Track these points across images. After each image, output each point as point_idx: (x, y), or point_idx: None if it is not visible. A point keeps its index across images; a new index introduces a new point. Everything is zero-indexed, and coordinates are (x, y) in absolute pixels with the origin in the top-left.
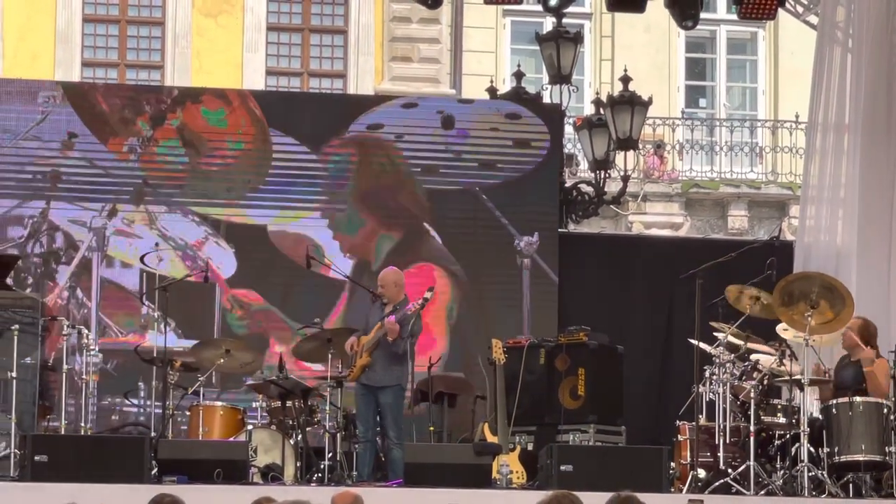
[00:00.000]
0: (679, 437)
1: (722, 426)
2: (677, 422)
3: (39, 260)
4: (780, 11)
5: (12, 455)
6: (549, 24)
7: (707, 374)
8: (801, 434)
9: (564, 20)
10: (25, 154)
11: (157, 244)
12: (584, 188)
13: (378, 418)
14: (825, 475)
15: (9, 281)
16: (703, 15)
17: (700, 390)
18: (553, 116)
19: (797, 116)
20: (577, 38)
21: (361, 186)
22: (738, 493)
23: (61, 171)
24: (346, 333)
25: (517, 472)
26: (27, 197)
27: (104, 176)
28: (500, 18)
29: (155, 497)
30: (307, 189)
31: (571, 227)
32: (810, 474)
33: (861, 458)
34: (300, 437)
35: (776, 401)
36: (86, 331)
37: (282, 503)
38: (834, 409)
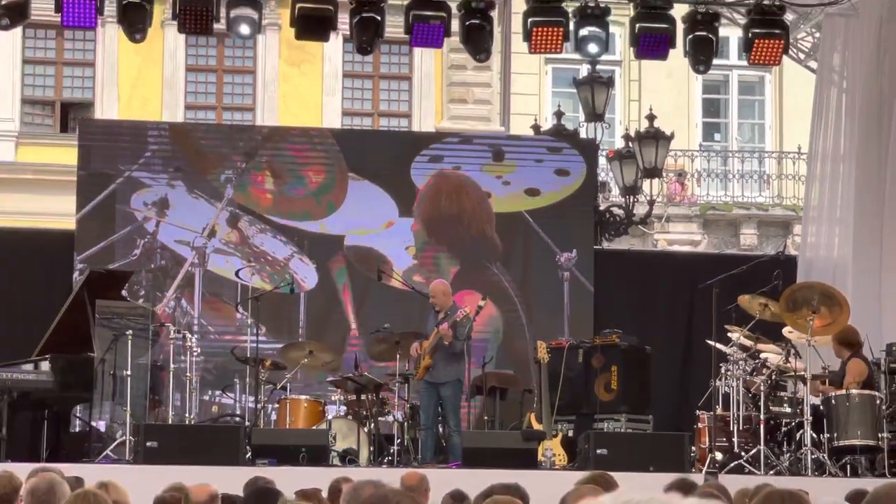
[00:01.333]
0: (699, 424)
1: (736, 415)
2: (697, 411)
3: (150, 275)
4: (785, 58)
5: (128, 441)
6: (584, 70)
7: (723, 370)
8: (805, 422)
9: (598, 66)
10: (138, 184)
11: (249, 260)
12: (616, 211)
13: (439, 409)
14: (826, 457)
15: (124, 293)
16: (717, 61)
17: (717, 384)
18: (589, 149)
19: (799, 148)
20: (609, 82)
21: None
22: (750, 473)
23: (168, 199)
24: (412, 337)
25: (559, 455)
26: (140, 221)
27: (204, 202)
28: (542, 65)
29: (251, 479)
30: (378, 210)
31: (605, 245)
32: (813, 457)
33: (857, 443)
34: (373, 425)
35: (782, 393)
36: (189, 335)
37: (357, 482)
38: (833, 401)
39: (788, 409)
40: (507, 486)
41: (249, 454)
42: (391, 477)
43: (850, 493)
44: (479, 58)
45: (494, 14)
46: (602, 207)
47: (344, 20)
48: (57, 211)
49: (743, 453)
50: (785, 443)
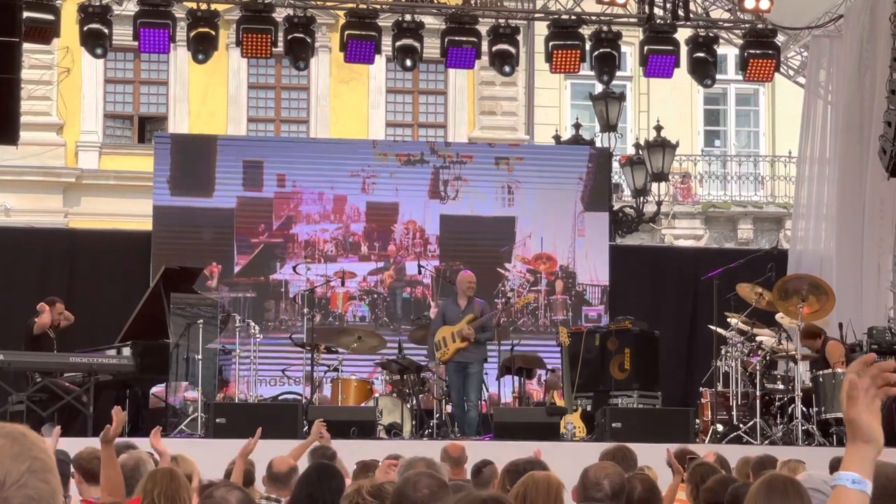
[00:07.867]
0: (702, 400)
1: (735, 392)
2: (700, 388)
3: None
4: (776, 74)
5: (199, 417)
6: (599, 86)
7: (723, 351)
8: (796, 397)
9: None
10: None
11: (305, 257)
12: (628, 210)
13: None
14: (815, 428)
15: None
16: (716, 76)
17: (717, 364)
18: (603, 156)
19: (790, 152)
20: (621, 97)
21: None
22: (747, 442)
23: (236, 210)
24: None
25: (579, 427)
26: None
27: (265, 208)
28: (562, 81)
29: (315, 448)
30: None
31: (618, 241)
32: (803, 428)
33: (842, 416)
34: (415, 402)
35: (776, 372)
36: (253, 323)
37: (410, 459)
38: (821, 378)
39: (781, 386)
40: (530, 461)
41: (306, 428)
42: (432, 448)
43: (833, 461)
44: (504, 72)
45: (519, 37)
46: (616, 207)
47: (387, 43)
48: (135, 212)
49: (741, 425)
50: (778, 416)
